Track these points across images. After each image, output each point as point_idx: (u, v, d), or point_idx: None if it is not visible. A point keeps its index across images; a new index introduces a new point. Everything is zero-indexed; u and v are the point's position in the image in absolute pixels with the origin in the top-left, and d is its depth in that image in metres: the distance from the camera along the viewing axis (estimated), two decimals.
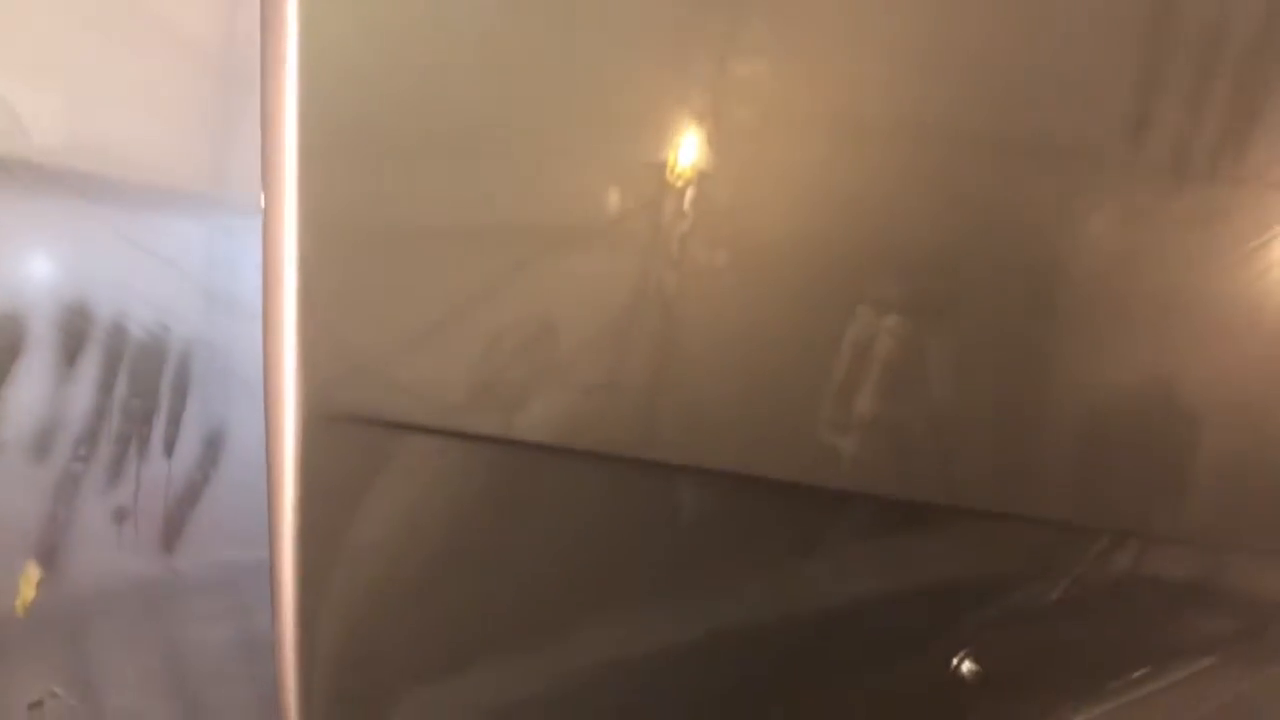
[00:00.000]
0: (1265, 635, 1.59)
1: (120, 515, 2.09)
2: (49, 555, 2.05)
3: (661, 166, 1.21)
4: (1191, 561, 1.53)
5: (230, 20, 2.14)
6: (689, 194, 1.22)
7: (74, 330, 1.94)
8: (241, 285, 2.15)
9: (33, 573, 2.03)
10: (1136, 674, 1.49)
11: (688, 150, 1.23)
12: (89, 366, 1.98)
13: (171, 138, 2.12)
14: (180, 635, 2.27)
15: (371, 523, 1.21)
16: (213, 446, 2.19)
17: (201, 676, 2.22)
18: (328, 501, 1.17)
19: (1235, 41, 1.50)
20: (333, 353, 1.13)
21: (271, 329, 1.11)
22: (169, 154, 2.12)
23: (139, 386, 2.04)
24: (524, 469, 1.23)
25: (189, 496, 2.18)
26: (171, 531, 2.17)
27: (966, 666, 1.40)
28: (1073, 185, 1.40)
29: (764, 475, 1.27)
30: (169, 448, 2.11)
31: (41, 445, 1.99)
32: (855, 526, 1.34)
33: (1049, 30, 1.38)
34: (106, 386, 2.00)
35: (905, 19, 1.31)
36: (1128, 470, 1.47)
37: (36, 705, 2.05)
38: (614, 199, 1.21)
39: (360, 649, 1.27)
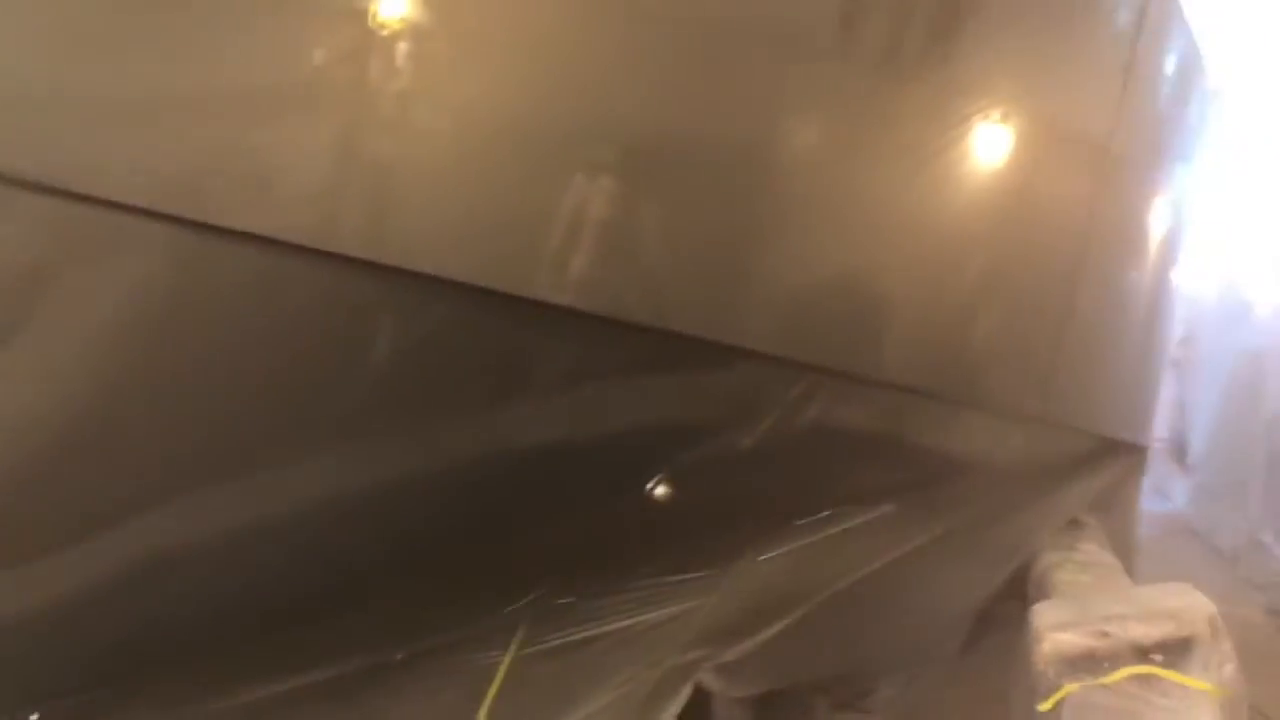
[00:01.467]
0: (941, 486, 1.78)
1: None
2: None
3: (364, 15, 1.23)
4: (880, 410, 1.69)
5: None
6: (400, 49, 1.24)
7: None
8: None
9: None
10: (821, 514, 1.63)
11: (398, 3, 1.25)
12: None
13: None
14: None
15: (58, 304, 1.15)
16: None
17: None
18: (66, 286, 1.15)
19: None
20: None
21: None
22: None
23: None
24: (218, 258, 1.19)
25: None
26: None
27: (658, 494, 1.50)
28: (780, 72, 1.50)
29: (484, 285, 1.30)
30: None
31: None
32: (563, 360, 1.40)
33: None
34: None
35: None
36: (828, 316, 1.60)
37: None
38: (313, 53, 1.22)
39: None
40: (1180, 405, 4.36)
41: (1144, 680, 1.45)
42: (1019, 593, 1.93)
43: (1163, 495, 4.06)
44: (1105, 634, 1.48)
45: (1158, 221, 2.21)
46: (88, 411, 1.21)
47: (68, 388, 1.20)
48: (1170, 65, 2.10)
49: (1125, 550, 2.25)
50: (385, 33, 1.24)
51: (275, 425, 1.28)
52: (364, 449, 1.32)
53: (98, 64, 1.19)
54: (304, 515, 1.29)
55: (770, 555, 1.61)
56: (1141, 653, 1.47)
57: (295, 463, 1.28)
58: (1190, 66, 2.24)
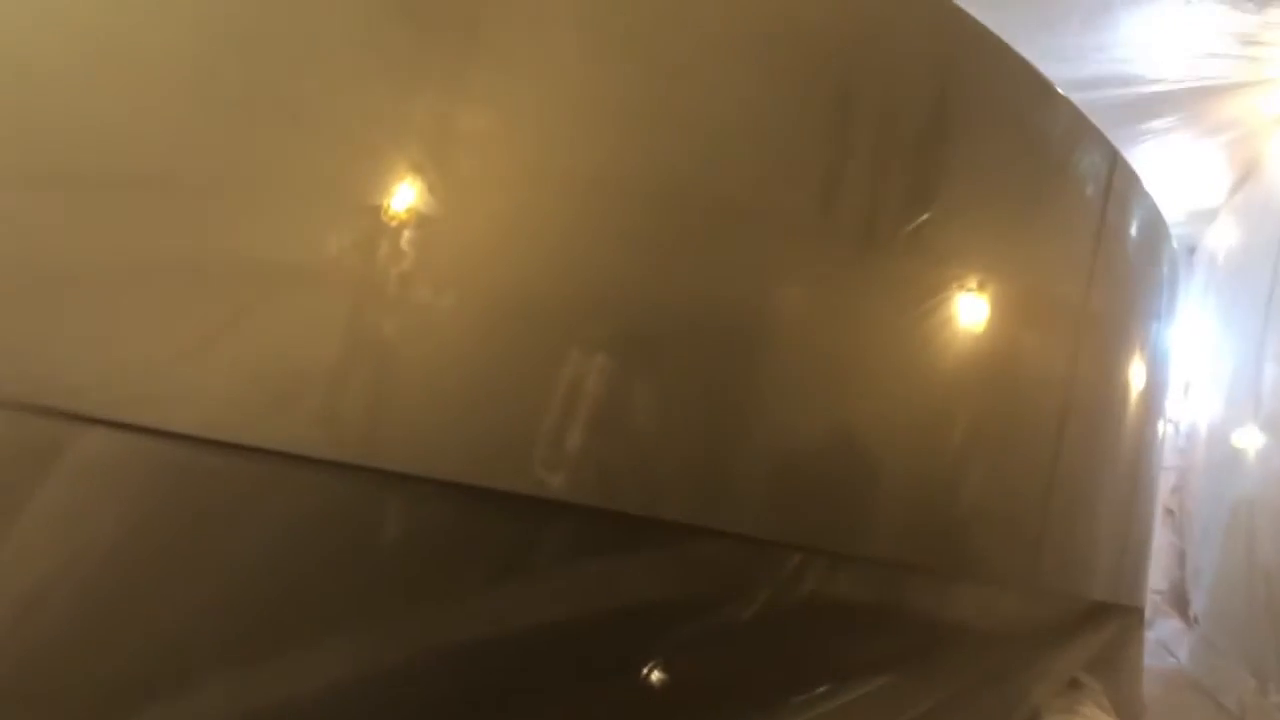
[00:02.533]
0: (937, 655, 1.76)
1: None
2: None
3: (378, 210, 1.29)
4: (873, 583, 1.68)
5: None
6: (406, 235, 1.29)
7: None
8: None
9: None
10: (819, 690, 1.61)
11: (406, 194, 1.31)
12: None
13: None
14: None
15: (38, 524, 1.17)
16: None
17: None
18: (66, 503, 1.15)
19: (909, 126, 1.72)
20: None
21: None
22: None
23: None
24: (219, 472, 1.21)
25: None
26: None
27: (655, 675, 1.47)
28: (764, 249, 1.56)
29: (477, 485, 1.33)
30: None
31: None
32: (559, 546, 1.41)
33: (741, 102, 1.55)
34: None
35: (610, 82, 1.46)
36: (818, 494, 1.60)
37: None
38: (329, 239, 1.27)
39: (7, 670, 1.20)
40: (1179, 555, 4.34)
41: None
42: None
43: (1167, 650, 4.00)
44: None
45: (1138, 376, 2.25)
46: (101, 604, 1.22)
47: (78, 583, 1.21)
48: (1136, 228, 2.18)
49: (1130, 711, 2.21)
50: (394, 223, 1.30)
51: (270, 618, 1.28)
52: (360, 637, 1.31)
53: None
54: (307, 701, 1.29)
55: None
56: None
57: (290, 654, 1.27)
58: (1155, 228, 2.34)
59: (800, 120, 1.60)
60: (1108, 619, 2.14)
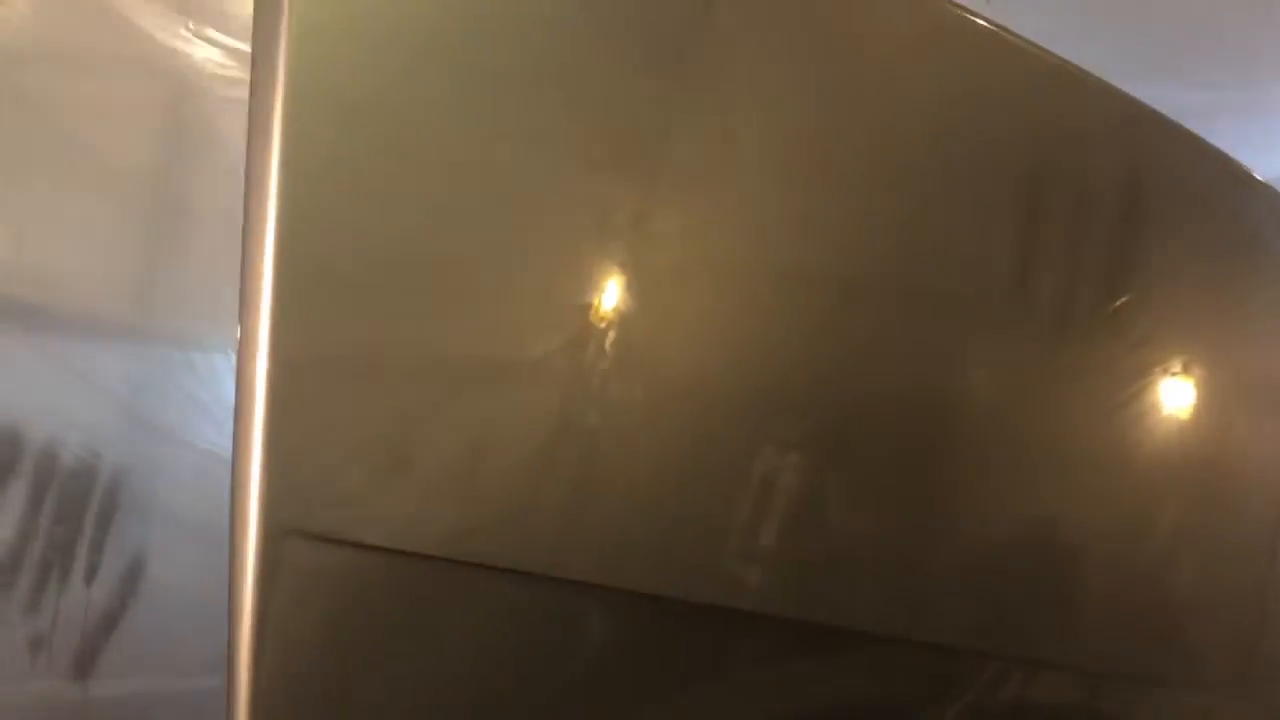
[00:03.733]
0: None
1: (36, 644, 2.07)
2: None
3: (586, 308, 1.30)
4: (1072, 688, 1.60)
5: (156, 154, 2.22)
6: (609, 335, 1.30)
7: (3, 458, 1.95)
8: (165, 413, 2.18)
9: None
10: None
11: (609, 294, 1.32)
12: (16, 494, 1.98)
13: (100, 268, 2.17)
14: None
15: (307, 638, 1.19)
16: (132, 575, 2.18)
17: None
18: (279, 615, 1.15)
19: (1101, 210, 1.66)
20: (287, 473, 1.16)
21: (241, 450, 1.15)
22: (98, 283, 2.17)
23: (65, 513, 2.05)
24: (444, 585, 1.24)
25: (106, 625, 2.17)
26: (86, 660, 2.15)
27: None
28: (957, 336, 1.51)
29: (671, 596, 1.31)
30: (90, 576, 2.10)
31: None
32: (756, 652, 1.38)
33: (930, 192, 1.50)
34: (32, 513, 2.01)
35: (799, 174, 1.43)
36: (1017, 596, 1.54)
37: None
38: (541, 336, 1.29)
39: None
40: None
41: None
42: None
43: None
44: None
45: None
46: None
47: None
48: None
49: None
50: (601, 323, 1.31)
51: None
52: None
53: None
54: None
55: None
56: None
57: None
58: None
59: (991, 206, 1.56)
60: None
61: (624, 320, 1.31)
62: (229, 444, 2.04)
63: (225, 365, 2.26)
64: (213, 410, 2.28)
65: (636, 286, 1.33)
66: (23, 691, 2.06)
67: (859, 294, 1.46)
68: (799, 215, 1.43)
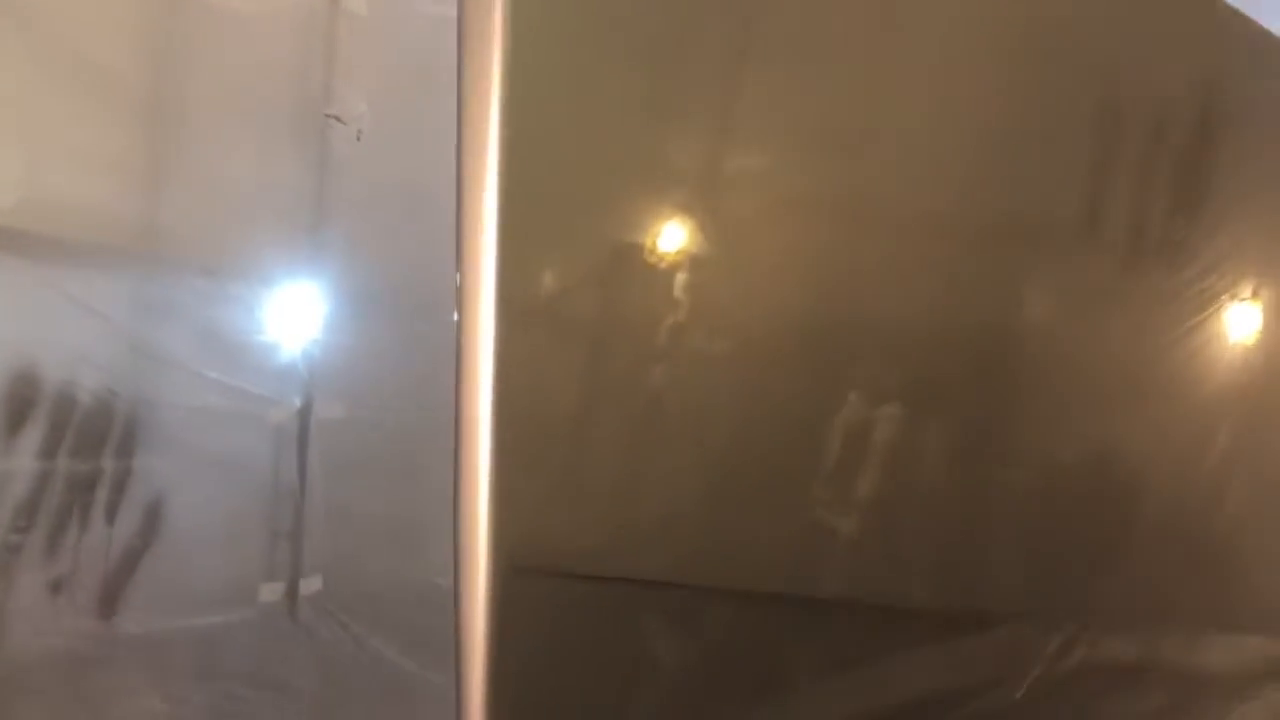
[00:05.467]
0: (1193, 708, 1.65)
1: (57, 585, 2.01)
2: None
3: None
4: (1131, 645, 1.59)
5: (152, 68, 2.11)
6: (679, 280, 1.23)
7: (20, 398, 1.87)
8: (175, 343, 2.11)
9: None
10: None
11: (677, 237, 1.25)
12: (33, 434, 1.91)
13: (110, 198, 2.07)
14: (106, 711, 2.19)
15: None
16: (152, 513, 2.12)
17: None
18: (512, 648, 1.14)
19: (1174, 138, 1.59)
20: (517, 514, 1.14)
21: (464, 489, 1.12)
22: (108, 214, 2.07)
23: (84, 452, 1.97)
24: (654, 607, 1.23)
25: (127, 564, 2.11)
26: (108, 599, 2.09)
27: None
28: (1039, 265, 1.48)
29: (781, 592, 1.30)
30: (111, 515, 2.04)
31: None
32: (830, 648, 1.36)
33: (1011, 126, 1.45)
34: (50, 454, 1.93)
35: (882, 118, 1.37)
36: (1072, 553, 1.53)
37: None
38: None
39: None
40: None
41: None
42: None
43: None
44: None
45: None
46: None
47: None
48: None
49: None
50: (664, 264, 1.24)
51: None
52: None
53: None
54: None
55: None
56: None
57: None
58: None
59: (1066, 134, 1.50)
60: None
61: (698, 264, 1.24)
62: (237, 373, 2.00)
63: (229, 291, 2.18)
64: (223, 337, 2.20)
65: (711, 228, 1.26)
66: (42, 633, 2.02)
67: (944, 228, 1.41)
68: (882, 149, 1.37)
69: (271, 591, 2.26)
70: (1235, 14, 1.62)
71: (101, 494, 1.97)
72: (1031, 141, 1.46)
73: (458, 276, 1.09)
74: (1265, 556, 1.76)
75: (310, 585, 2.29)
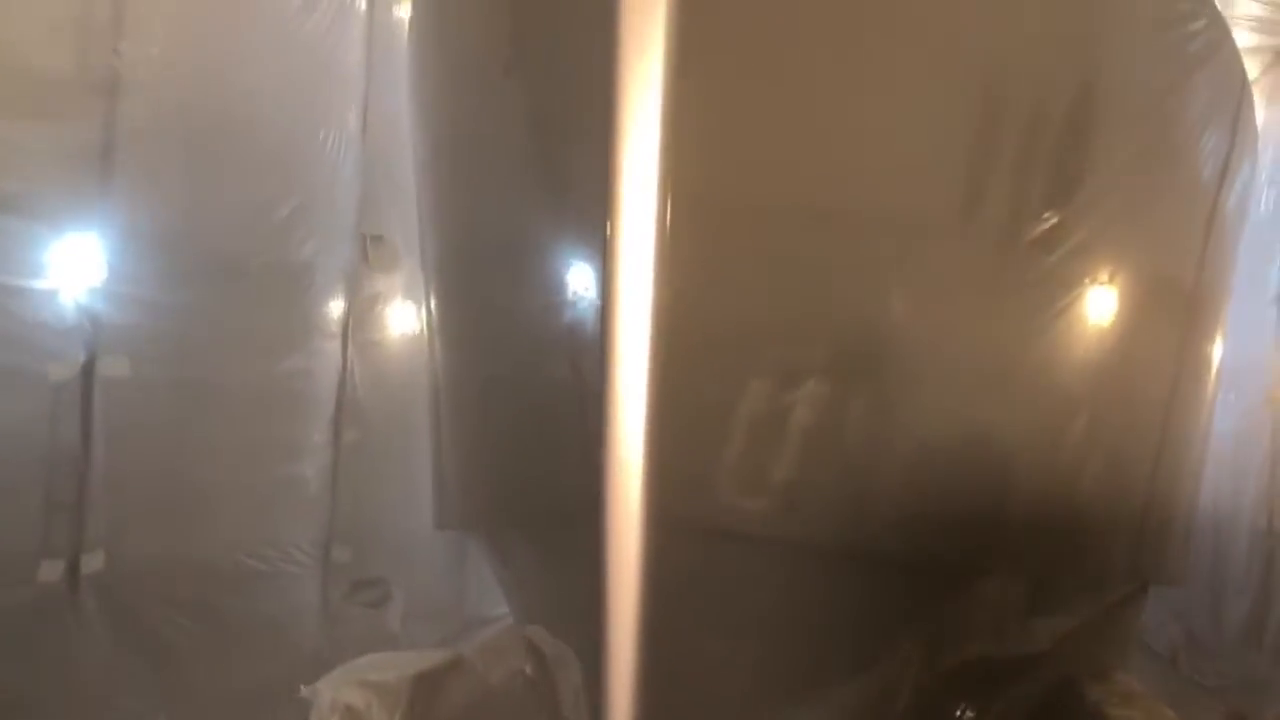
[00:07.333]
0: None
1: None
2: None
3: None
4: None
5: None
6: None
7: None
8: None
9: None
10: None
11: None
12: None
13: None
14: None
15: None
16: None
17: None
18: (665, 604, 1.23)
19: (1052, 124, 1.59)
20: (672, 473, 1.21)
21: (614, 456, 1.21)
22: None
23: None
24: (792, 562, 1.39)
25: None
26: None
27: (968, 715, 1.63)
28: (911, 255, 1.47)
29: None
30: None
31: None
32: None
33: (887, 115, 1.44)
34: None
35: (759, 112, 1.36)
36: (956, 513, 1.54)
37: None
38: None
39: None
40: None
41: None
42: None
43: None
44: None
45: (1217, 357, 2.19)
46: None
47: None
48: (1242, 208, 2.09)
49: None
50: None
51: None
52: None
53: None
54: None
55: None
56: None
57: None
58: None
59: (950, 122, 1.48)
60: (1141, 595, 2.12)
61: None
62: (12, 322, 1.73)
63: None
64: None
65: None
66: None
67: (818, 217, 1.40)
68: (762, 137, 1.36)
69: (51, 570, 2.01)
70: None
71: None
72: (918, 131, 1.46)
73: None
74: (1114, 521, 1.83)
75: (92, 562, 2.06)
